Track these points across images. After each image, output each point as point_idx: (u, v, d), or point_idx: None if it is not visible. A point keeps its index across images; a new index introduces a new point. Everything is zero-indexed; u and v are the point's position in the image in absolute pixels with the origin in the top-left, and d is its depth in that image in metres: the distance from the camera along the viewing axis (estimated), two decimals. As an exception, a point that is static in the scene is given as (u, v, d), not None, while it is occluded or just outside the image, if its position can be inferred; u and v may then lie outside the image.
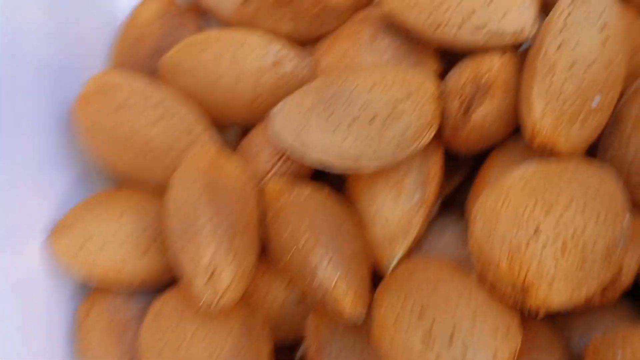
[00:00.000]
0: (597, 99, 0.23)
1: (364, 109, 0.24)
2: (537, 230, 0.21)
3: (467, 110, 0.25)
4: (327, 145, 0.25)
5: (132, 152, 0.27)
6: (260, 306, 0.26)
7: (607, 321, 0.24)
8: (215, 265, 0.23)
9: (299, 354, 0.25)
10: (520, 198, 0.21)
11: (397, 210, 0.26)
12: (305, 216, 0.24)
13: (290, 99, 0.27)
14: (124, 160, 0.27)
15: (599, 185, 0.22)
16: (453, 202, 0.29)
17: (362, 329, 0.25)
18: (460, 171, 0.29)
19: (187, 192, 0.24)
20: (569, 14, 0.23)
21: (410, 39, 0.27)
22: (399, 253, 0.26)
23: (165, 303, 0.25)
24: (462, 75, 0.25)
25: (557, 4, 0.24)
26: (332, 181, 0.27)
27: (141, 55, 0.31)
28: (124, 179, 0.28)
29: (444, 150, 0.26)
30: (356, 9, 0.29)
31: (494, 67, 0.25)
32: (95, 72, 0.29)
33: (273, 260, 0.25)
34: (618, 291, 0.23)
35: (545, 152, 0.23)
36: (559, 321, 0.25)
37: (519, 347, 0.21)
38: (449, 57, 0.28)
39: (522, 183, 0.22)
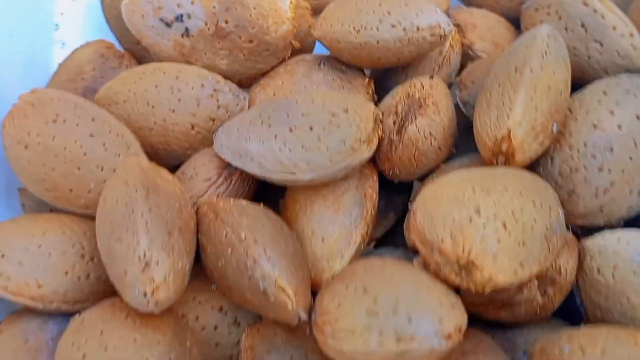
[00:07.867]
0: (556, 126, 0.25)
1: (303, 119, 0.25)
2: (477, 210, 0.21)
3: (402, 127, 0.26)
4: (266, 153, 0.25)
5: (64, 165, 0.26)
6: (192, 329, 0.25)
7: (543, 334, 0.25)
8: (151, 257, 0.22)
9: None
10: (460, 185, 0.22)
11: (336, 227, 0.26)
12: (243, 217, 0.24)
13: (232, 119, 0.27)
14: (55, 173, 0.26)
15: (532, 180, 0.23)
16: (385, 243, 0.30)
17: (299, 343, 0.24)
18: (393, 213, 0.30)
19: (123, 189, 0.23)
20: (548, 45, 0.25)
21: (342, 74, 0.29)
22: (338, 269, 0.26)
23: (88, 315, 0.23)
24: (395, 96, 0.27)
25: (537, 30, 0.25)
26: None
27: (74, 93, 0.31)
28: (52, 195, 0.26)
29: (378, 172, 0.27)
30: (293, 50, 0.30)
31: (425, 85, 0.26)
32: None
33: (209, 266, 0.24)
34: (559, 294, 0.24)
35: (497, 162, 0.24)
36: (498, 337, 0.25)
37: (465, 327, 0.20)
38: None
39: (460, 176, 0.23)
